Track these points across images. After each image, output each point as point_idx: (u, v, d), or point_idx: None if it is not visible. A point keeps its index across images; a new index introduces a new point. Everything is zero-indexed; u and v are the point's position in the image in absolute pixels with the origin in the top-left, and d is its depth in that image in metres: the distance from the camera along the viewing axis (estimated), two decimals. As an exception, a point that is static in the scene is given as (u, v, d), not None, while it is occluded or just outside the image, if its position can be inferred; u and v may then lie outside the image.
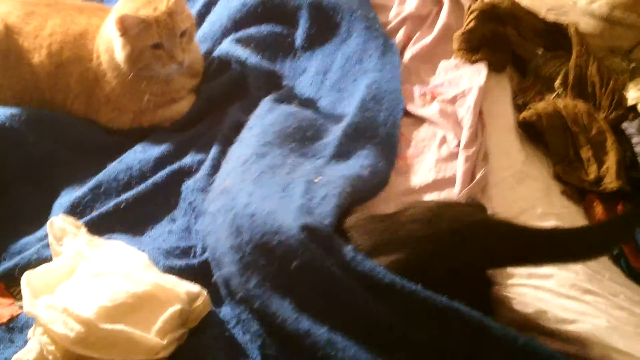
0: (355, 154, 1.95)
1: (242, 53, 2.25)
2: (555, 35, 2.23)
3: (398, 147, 2.07)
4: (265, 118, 2.01)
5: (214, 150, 2.03)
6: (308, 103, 2.17)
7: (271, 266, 1.55)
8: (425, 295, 1.44)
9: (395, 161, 2.02)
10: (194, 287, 1.62)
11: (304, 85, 2.27)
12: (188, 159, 2.05)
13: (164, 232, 1.93)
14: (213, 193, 1.82)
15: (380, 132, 2.04)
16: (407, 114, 2.17)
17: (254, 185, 1.71)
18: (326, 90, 2.22)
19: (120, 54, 2.04)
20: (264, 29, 2.39)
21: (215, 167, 1.96)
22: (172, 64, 2.07)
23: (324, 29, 2.36)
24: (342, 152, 1.94)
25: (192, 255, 1.83)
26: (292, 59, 2.35)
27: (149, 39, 2.01)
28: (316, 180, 1.74)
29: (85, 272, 1.63)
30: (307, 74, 2.30)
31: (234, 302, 1.64)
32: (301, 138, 1.95)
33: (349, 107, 2.09)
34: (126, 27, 1.98)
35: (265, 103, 2.09)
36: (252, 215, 1.60)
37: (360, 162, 1.91)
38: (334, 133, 2.00)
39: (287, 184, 1.72)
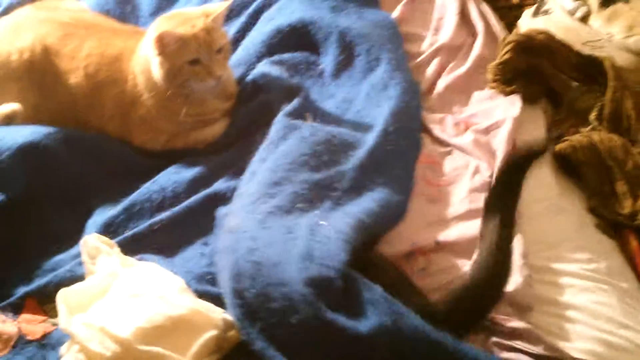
0: (369, 188, 1.92)
1: (271, 74, 2.27)
2: (590, 69, 2.23)
3: (427, 177, 2.07)
4: (278, 147, 1.99)
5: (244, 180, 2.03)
6: (329, 121, 2.16)
7: (271, 318, 1.52)
8: None
9: (409, 196, 1.99)
10: (230, 315, 1.62)
11: (329, 111, 2.27)
12: (222, 185, 2.05)
13: (196, 255, 1.93)
14: (223, 229, 1.82)
15: (398, 166, 2.03)
16: (440, 142, 2.17)
17: (259, 227, 1.68)
18: (349, 117, 2.22)
19: (158, 72, 2.05)
20: (297, 55, 2.40)
21: None
22: (210, 79, 2.07)
23: (353, 57, 2.36)
24: (356, 187, 1.91)
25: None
26: (321, 86, 2.36)
27: (187, 55, 2.02)
28: (322, 223, 1.71)
29: (120, 291, 1.63)
30: (333, 99, 2.30)
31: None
32: (316, 164, 1.93)
33: (370, 135, 2.07)
34: (164, 44, 1.99)
35: (279, 124, 2.07)
36: (257, 264, 1.58)
37: (371, 197, 1.89)
38: (351, 161, 1.98)
39: (292, 227, 1.69)
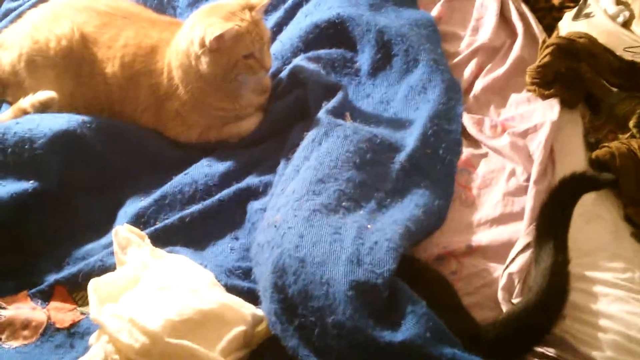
0: (411, 191, 1.91)
1: (307, 70, 2.25)
2: (631, 75, 2.19)
3: (462, 180, 2.04)
4: (321, 145, 1.97)
5: (279, 175, 2.03)
6: (368, 122, 2.15)
7: (310, 316, 1.51)
8: None
9: (451, 201, 1.97)
10: (259, 311, 1.62)
11: (366, 111, 2.25)
12: (255, 179, 2.06)
13: (226, 249, 1.94)
14: (264, 223, 1.80)
15: (439, 170, 2.01)
16: (476, 144, 2.14)
17: (305, 224, 1.67)
18: (387, 119, 2.20)
19: (209, 68, 2.04)
20: (333, 52, 2.40)
21: None
22: (262, 71, 2.09)
23: (390, 57, 2.35)
24: (399, 189, 1.91)
25: (253, 277, 1.81)
26: (357, 84, 2.34)
27: (243, 50, 2.02)
28: (369, 226, 1.70)
29: (150, 283, 1.64)
30: (370, 99, 2.29)
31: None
32: (360, 163, 1.91)
33: (410, 138, 2.06)
34: (223, 42, 1.98)
35: (321, 121, 2.05)
36: (302, 261, 1.56)
37: (415, 201, 1.87)
38: (394, 163, 1.97)
39: (339, 227, 1.68)
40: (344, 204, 1.78)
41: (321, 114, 2.08)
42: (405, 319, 1.49)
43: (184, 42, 2.08)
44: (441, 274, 1.78)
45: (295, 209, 1.74)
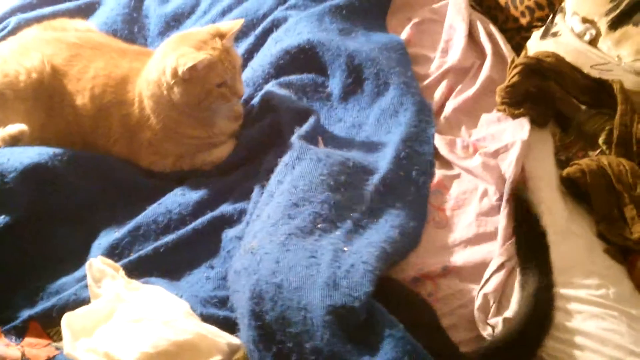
0: (386, 212, 1.92)
1: (279, 96, 2.26)
2: (599, 92, 2.21)
3: (435, 201, 2.05)
4: (294, 169, 1.98)
5: (252, 203, 2.02)
6: (340, 146, 2.16)
7: (288, 342, 1.52)
8: None
9: (425, 223, 1.98)
10: (235, 339, 1.61)
11: (338, 135, 2.26)
12: (229, 207, 2.05)
13: (202, 279, 1.93)
14: (240, 250, 1.80)
15: (412, 192, 2.02)
16: (448, 165, 2.15)
17: (282, 249, 1.68)
18: (360, 142, 2.21)
19: (181, 99, 2.05)
20: (304, 77, 2.40)
21: None
22: (235, 98, 2.10)
23: (361, 81, 2.36)
24: (374, 209, 1.91)
25: (230, 305, 1.80)
26: (329, 108, 2.35)
27: (216, 79, 2.03)
28: (345, 249, 1.71)
29: (125, 316, 1.63)
30: (342, 124, 2.30)
31: None
32: (335, 185, 1.92)
33: (383, 161, 2.07)
34: (196, 72, 1.98)
35: (294, 146, 2.06)
36: (279, 286, 1.57)
37: (390, 222, 1.88)
38: (368, 185, 1.97)
39: (314, 250, 1.68)
40: (319, 225, 1.79)
41: (294, 139, 2.09)
42: (382, 342, 1.49)
43: (154, 72, 2.08)
44: (419, 295, 1.78)
45: (271, 234, 1.74)
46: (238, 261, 1.75)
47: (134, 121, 2.17)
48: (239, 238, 1.92)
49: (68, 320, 1.60)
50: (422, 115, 2.23)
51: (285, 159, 2.02)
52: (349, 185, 1.95)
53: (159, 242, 1.97)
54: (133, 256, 1.94)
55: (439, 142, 2.18)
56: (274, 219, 1.80)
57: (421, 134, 2.17)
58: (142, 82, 2.15)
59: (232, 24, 2.09)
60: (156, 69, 2.08)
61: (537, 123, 2.23)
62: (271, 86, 2.33)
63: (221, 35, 2.05)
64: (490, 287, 1.81)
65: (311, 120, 2.17)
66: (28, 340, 1.75)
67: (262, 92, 2.33)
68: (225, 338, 1.59)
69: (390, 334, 1.49)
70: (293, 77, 2.38)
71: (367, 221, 1.86)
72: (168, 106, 2.09)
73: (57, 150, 2.08)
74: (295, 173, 1.95)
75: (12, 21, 2.74)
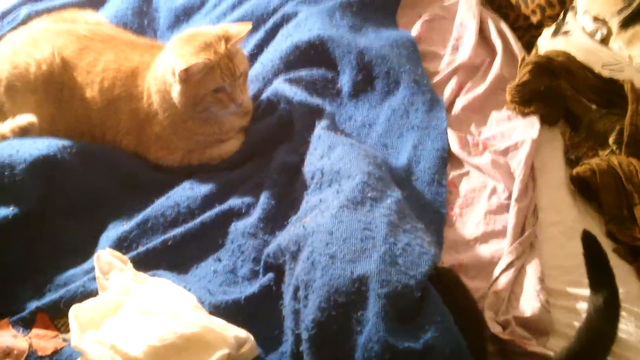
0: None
1: (290, 91, 2.25)
2: (610, 92, 2.21)
3: (447, 199, 2.06)
4: (333, 152, 1.98)
5: (264, 196, 2.02)
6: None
7: (332, 311, 1.50)
8: None
9: (443, 238, 1.98)
10: (242, 332, 1.60)
11: (350, 134, 2.26)
12: (237, 201, 2.04)
13: (209, 272, 1.92)
14: (290, 227, 1.82)
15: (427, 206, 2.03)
16: (457, 163, 2.15)
17: (334, 222, 1.67)
18: (372, 144, 2.22)
19: (178, 99, 2.04)
20: (315, 72, 2.39)
21: (267, 214, 1.97)
22: (232, 105, 2.08)
23: (371, 79, 2.37)
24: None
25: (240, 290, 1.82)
26: (339, 105, 2.35)
27: (212, 84, 2.02)
28: (398, 222, 1.69)
29: (132, 308, 1.62)
30: (352, 122, 2.30)
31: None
32: (374, 162, 1.93)
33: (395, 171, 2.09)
34: (190, 74, 1.98)
35: (322, 137, 2.07)
36: (332, 257, 1.57)
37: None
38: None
39: (369, 222, 1.67)
40: (369, 194, 1.78)
41: (319, 130, 2.10)
42: (429, 330, 1.46)
43: (160, 68, 2.08)
44: (471, 294, 1.74)
45: (322, 210, 1.75)
46: (289, 232, 1.76)
47: (142, 115, 2.17)
48: (252, 235, 1.93)
49: (75, 313, 1.59)
50: (434, 112, 2.24)
51: (316, 149, 2.03)
52: (384, 167, 1.97)
53: (167, 235, 1.96)
54: (141, 249, 1.93)
55: (451, 138, 2.18)
56: (324, 201, 1.80)
57: (433, 132, 2.19)
58: (150, 77, 2.15)
59: (240, 28, 2.07)
60: (162, 65, 2.08)
61: (547, 122, 2.24)
62: (281, 81, 2.33)
63: (227, 39, 2.04)
64: (499, 285, 1.82)
65: (328, 114, 2.19)
66: (35, 331, 1.75)
67: (272, 87, 2.32)
68: (232, 331, 1.59)
69: (439, 321, 1.48)
70: (303, 72, 2.38)
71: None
72: (172, 103, 2.08)
73: (67, 143, 2.07)
74: (334, 156, 1.95)
75: (23, 12, 2.74)
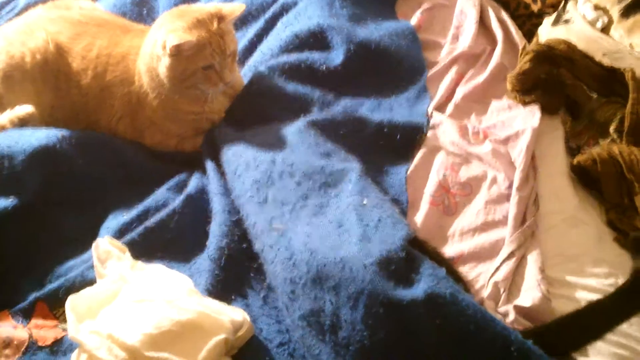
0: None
1: (268, 76, 2.29)
2: (611, 81, 2.20)
3: (445, 182, 2.06)
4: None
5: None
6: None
7: (326, 295, 1.52)
8: None
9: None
10: (238, 315, 1.60)
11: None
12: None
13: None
14: (262, 233, 1.78)
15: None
16: (457, 151, 2.14)
17: (310, 227, 1.69)
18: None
19: (166, 73, 2.03)
20: (309, 57, 2.37)
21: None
22: (221, 84, 2.07)
23: (369, 69, 2.38)
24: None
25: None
26: (332, 91, 2.34)
27: (202, 61, 2.01)
28: (364, 202, 1.72)
29: (128, 296, 1.62)
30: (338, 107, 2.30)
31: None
32: (324, 151, 1.98)
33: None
34: (181, 50, 1.97)
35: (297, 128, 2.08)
36: (313, 252, 1.58)
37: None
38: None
39: (340, 219, 1.69)
40: (328, 190, 1.82)
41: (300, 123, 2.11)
42: (427, 279, 1.50)
43: (149, 44, 2.07)
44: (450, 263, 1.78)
45: (294, 220, 1.74)
46: (263, 240, 1.75)
47: (135, 99, 2.16)
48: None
49: (72, 303, 1.59)
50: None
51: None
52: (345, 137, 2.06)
53: (167, 226, 1.95)
54: (141, 239, 1.92)
55: (451, 126, 2.18)
56: (289, 203, 1.80)
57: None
58: (140, 59, 2.13)
59: (234, 8, 2.06)
60: (151, 40, 2.07)
61: (547, 110, 2.23)
62: (263, 69, 2.32)
63: (220, 17, 2.03)
64: (500, 275, 1.81)
65: (316, 108, 2.23)
66: (35, 321, 1.74)
67: (251, 74, 2.32)
68: (228, 315, 1.58)
69: (431, 273, 1.52)
70: (295, 58, 2.37)
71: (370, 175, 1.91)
72: (160, 80, 2.07)
73: (66, 133, 2.06)
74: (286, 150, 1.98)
75: (21, 2, 2.73)
